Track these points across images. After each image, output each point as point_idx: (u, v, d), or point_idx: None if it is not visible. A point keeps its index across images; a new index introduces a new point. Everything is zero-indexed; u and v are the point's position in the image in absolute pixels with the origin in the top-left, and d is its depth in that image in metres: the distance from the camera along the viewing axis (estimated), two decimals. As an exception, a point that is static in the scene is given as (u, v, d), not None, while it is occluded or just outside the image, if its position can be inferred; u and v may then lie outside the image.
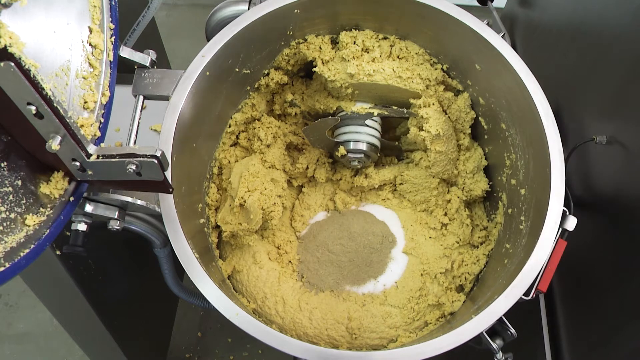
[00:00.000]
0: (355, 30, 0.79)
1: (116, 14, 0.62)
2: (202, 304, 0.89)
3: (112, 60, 0.61)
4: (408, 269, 0.83)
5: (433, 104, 0.80)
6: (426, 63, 0.79)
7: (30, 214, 0.49)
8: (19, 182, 0.48)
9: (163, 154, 0.50)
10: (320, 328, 0.75)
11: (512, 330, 0.60)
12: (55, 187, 0.52)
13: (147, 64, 0.70)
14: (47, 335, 1.42)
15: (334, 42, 0.81)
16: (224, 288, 0.64)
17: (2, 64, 0.40)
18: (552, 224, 0.61)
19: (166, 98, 0.69)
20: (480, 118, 0.80)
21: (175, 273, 0.84)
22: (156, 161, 0.50)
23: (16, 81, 0.41)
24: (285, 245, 0.86)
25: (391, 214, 0.89)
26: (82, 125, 0.55)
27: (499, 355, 0.61)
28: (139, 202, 0.65)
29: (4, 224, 0.46)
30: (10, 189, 0.47)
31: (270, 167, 0.82)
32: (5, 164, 0.47)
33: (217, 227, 0.78)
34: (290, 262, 0.85)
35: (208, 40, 0.71)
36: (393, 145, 0.89)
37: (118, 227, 0.64)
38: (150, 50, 0.70)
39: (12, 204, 0.47)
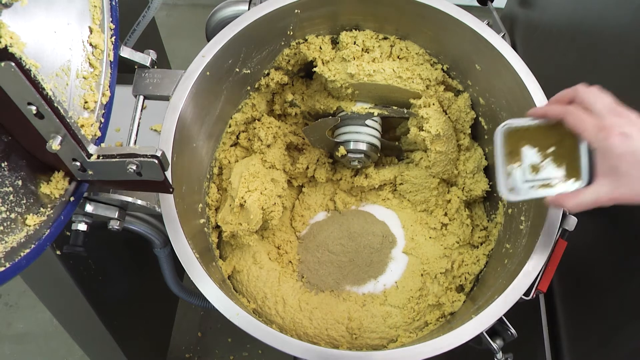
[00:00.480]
0: (356, 30, 0.79)
1: (116, 14, 0.62)
2: (202, 304, 0.89)
3: (112, 60, 0.61)
4: (408, 269, 0.83)
5: (433, 104, 0.80)
6: (426, 63, 0.79)
7: (31, 214, 0.49)
8: (20, 182, 0.48)
9: (163, 154, 0.50)
10: (320, 328, 0.75)
11: (512, 330, 0.60)
12: (55, 187, 0.52)
13: (148, 64, 0.70)
14: (47, 335, 1.42)
15: (334, 42, 0.81)
16: (224, 288, 0.64)
17: (2, 64, 0.40)
18: (552, 224, 0.61)
19: (166, 98, 0.69)
20: (480, 118, 0.80)
21: (175, 273, 0.84)
22: (156, 161, 0.50)
23: (17, 81, 0.41)
24: (285, 245, 0.86)
25: (391, 214, 0.89)
26: (82, 125, 0.55)
27: (499, 355, 0.61)
28: (139, 202, 0.65)
29: (5, 224, 0.46)
30: (11, 189, 0.47)
31: (270, 167, 0.82)
32: (6, 163, 0.47)
33: (217, 227, 0.78)
34: (290, 262, 0.85)
35: (208, 40, 0.71)
36: (393, 145, 0.89)
37: (118, 227, 0.64)
38: (151, 50, 0.70)
39: (13, 204, 0.47)
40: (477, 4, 0.95)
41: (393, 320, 0.77)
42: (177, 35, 1.88)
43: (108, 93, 0.60)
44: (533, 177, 0.57)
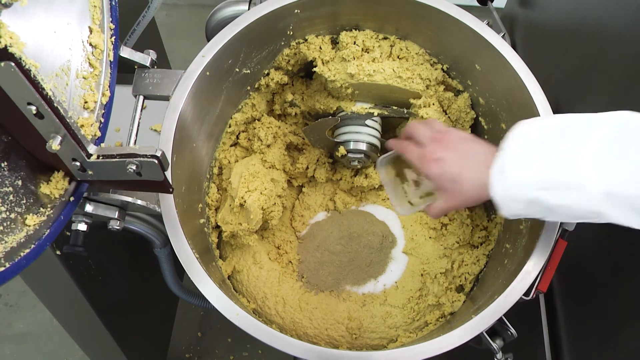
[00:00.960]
0: (356, 30, 0.79)
1: (116, 14, 0.62)
2: (202, 304, 0.89)
3: (112, 60, 0.61)
4: (408, 269, 0.83)
5: (433, 104, 0.80)
6: (426, 63, 0.79)
7: (31, 214, 0.49)
8: (19, 182, 0.48)
9: (163, 154, 0.50)
10: (320, 328, 0.75)
11: (512, 330, 0.60)
12: (55, 187, 0.52)
13: (147, 64, 0.70)
14: (47, 335, 1.42)
15: (334, 42, 0.81)
16: (224, 288, 0.64)
17: (2, 64, 0.40)
18: (552, 224, 0.61)
19: (166, 98, 0.69)
20: (480, 118, 0.80)
21: (175, 273, 0.84)
22: (156, 161, 0.50)
23: (16, 81, 0.41)
24: (285, 245, 0.86)
25: (391, 214, 0.89)
26: (82, 125, 0.55)
27: (499, 355, 0.61)
28: (139, 202, 0.65)
29: (4, 224, 0.46)
30: (11, 189, 0.47)
31: (270, 167, 0.82)
32: (6, 163, 0.47)
33: (217, 227, 0.78)
34: (290, 262, 0.85)
35: (208, 40, 0.71)
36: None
37: (118, 227, 0.64)
38: (151, 50, 0.70)
39: (13, 204, 0.47)
40: (477, 4, 0.95)
41: (393, 320, 0.77)
42: (177, 35, 1.88)
43: (108, 93, 0.60)
44: (417, 190, 0.68)
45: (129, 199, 0.64)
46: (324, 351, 0.57)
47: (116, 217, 0.64)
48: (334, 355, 0.57)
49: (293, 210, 0.91)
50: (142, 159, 0.50)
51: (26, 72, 0.41)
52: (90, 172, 0.53)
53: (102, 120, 0.59)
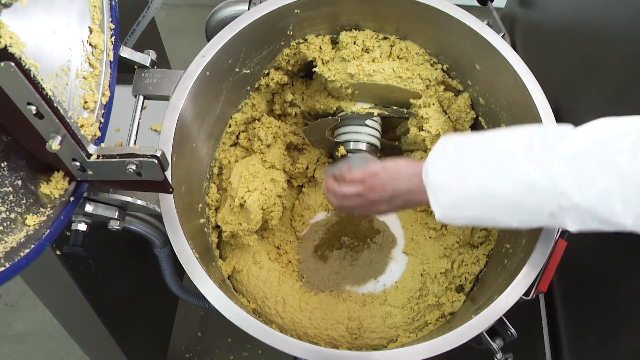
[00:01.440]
0: (356, 30, 0.79)
1: (116, 14, 0.62)
2: (202, 304, 0.89)
3: (112, 60, 0.61)
4: (408, 269, 0.83)
5: (433, 104, 0.80)
6: (426, 63, 0.79)
7: (31, 214, 0.49)
8: (19, 182, 0.48)
9: (163, 154, 0.50)
10: (320, 328, 0.75)
11: (512, 330, 0.60)
12: (55, 187, 0.52)
13: (147, 64, 0.70)
14: (47, 335, 1.41)
15: (334, 42, 0.81)
16: (224, 288, 0.64)
17: (2, 64, 0.40)
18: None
19: (166, 98, 0.69)
20: (480, 118, 0.80)
21: (175, 273, 0.84)
22: (156, 161, 0.50)
23: (16, 81, 0.41)
24: (285, 245, 0.86)
25: (391, 214, 0.89)
26: (82, 125, 0.55)
27: (499, 355, 0.61)
28: (139, 202, 0.65)
29: (4, 224, 0.46)
30: (11, 189, 0.47)
31: (270, 167, 0.82)
32: (6, 164, 0.47)
33: (217, 227, 0.78)
34: (290, 262, 0.85)
35: (208, 40, 0.71)
36: (393, 145, 0.89)
37: (118, 227, 0.64)
38: (150, 50, 0.70)
39: (13, 204, 0.47)
40: (477, 4, 0.95)
41: (393, 320, 0.77)
42: (177, 35, 1.88)
43: (108, 93, 0.60)
44: None
45: (129, 199, 0.64)
46: (324, 351, 0.57)
47: (116, 217, 0.64)
48: (334, 355, 0.57)
49: (293, 210, 0.91)
50: (142, 159, 0.50)
51: (26, 72, 0.41)
52: (90, 172, 0.53)
53: (102, 120, 0.59)
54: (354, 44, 0.78)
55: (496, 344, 0.60)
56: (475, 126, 0.82)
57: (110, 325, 0.95)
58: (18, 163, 0.49)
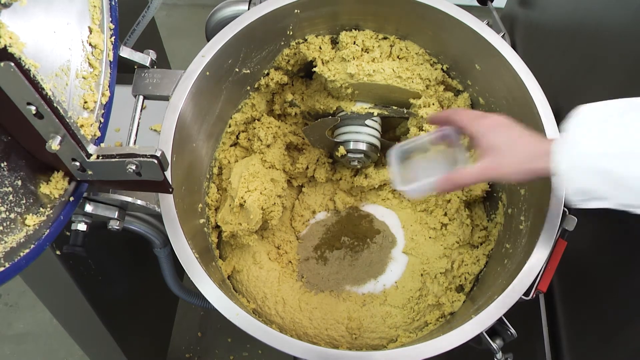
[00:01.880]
0: (355, 30, 0.79)
1: (116, 14, 0.62)
2: (202, 304, 0.89)
3: (112, 60, 0.61)
4: (408, 269, 0.83)
5: (433, 104, 0.80)
6: (426, 63, 0.79)
7: (30, 214, 0.49)
8: (19, 182, 0.48)
9: (163, 154, 0.50)
10: (320, 328, 0.75)
11: (512, 330, 0.60)
12: (55, 187, 0.52)
13: (147, 64, 0.70)
14: (47, 335, 1.42)
15: (334, 42, 0.81)
16: (224, 288, 0.64)
17: (2, 64, 0.40)
18: (552, 224, 0.61)
19: (166, 98, 0.69)
20: (480, 118, 0.80)
21: (175, 273, 0.84)
22: (156, 161, 0.50)
23: (16, 81, 0.41)
24: (285, 245, 0.86)
25: (391, 214, 0.89)
26: (82, 125, 0.55)
27: (499, 355, 0.61)
28: (139, 202, 0.65)
29: (4, 224, 0.46)
30: (10, 189, 0.47)
31: (270, 167, 0.82)
32: (5, 164, 0.47)
33: (217, 227, 0.78)
34: (290, 262, 0.85)
35: (208, 40, 0.71)
36: (393, 145, 0.89)
37: (118, 227, 0.64)
38: (150, 50, 0.70)
39: (12, 204, 0.47)
40: (477, 4, 0.95)
41: (393, 320, 0.77)
42: (177, 35, 1.88)
43: (108, 93, 0.60)
44: (427, 161, 0.65)
45: (129, 199, 0.64)
46: (324, 351, 0.57)
47: (116, 217, 0.64)
48: (334, 355, 0.57)
49: (293, 210, 0.91)
50: (142, 159, 0.50)
51: (26, 72, 0.41)
52: (90, 172, 0.53)
53: (102, 120, 0.59)
54: (354, 44, 0.78)
55: (496, 344, 0.60)
56: (475, 126, 0.82)
57: (110, 325, 0.95)
58: (18, 163, 0.49)
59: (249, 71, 0.78)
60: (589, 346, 0.64)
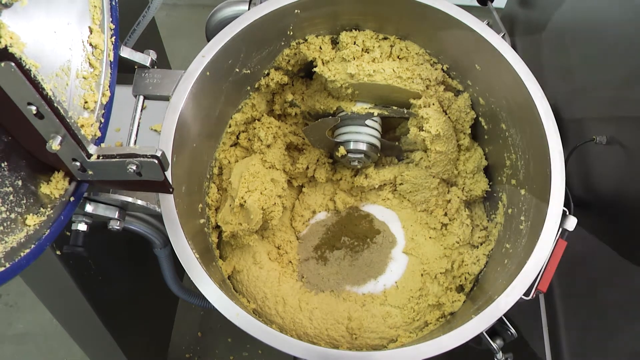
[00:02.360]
0: (356, 30, 0.79)
1: (116, 14, 0.62)
2: (202, 304, 0.89)
3: (112, 60, 0.61)
4: (408, 269, 0.83)
5: (433, 104, 0.80)
6: (426, 63, 0.79)
7: (31, 214, 0.49)
8: (20, 182, 0.48)
9: (163, 154, 0.50)
10: (320, 328, 0.75)
11: (512, 330, 0.60)
12: (55, 187, 0.52)
13: (147, 64, 0.70)
14: (47, 335, 1.42)
15: (334, 42, 0.81)
16: (224, 288, 0.64)
17: (2, 64, 0.40)
18: (552, 224, 0.61)
19: (166, 98, 0.69)
20: (480, 118, 0.80)
21: (175, 273, 0.84)
22: (156, 161, 0.50)
23: (17, 81, 0.41)
24: (285, 245, 0.86)
25: (391, 214, 0.89)
26: (82, 125, 0.55)
27: (499, 355, 0.61)
28: (139, 202, 0.65)
29: (5, 224, 0.46)
30: (11, 189, 0.47)
31: (270, 167, 0.82)
32: (6, 164, 0.47)
33: (217, 227, 0.78)
34: (290, 262, 0.85)
35: (208, 40, 0.71)
36: (393, 145, 0.89)
37: (118, 227, 0.64)
38: (151, 50, 0.70)
39: (13, 204, 0.47)
40: (477, 4, 0.95)
41: (393, 320, 0.77)
42: (177, 35, 1.88)
43: (108, 93, 0.60)
44: None
45: (129, 199, 0.64)
46: (324, 351, 0.57)
47: (116, 217, 0.64)
48: (334, 355, 0.57)
49: (293, 210, 0.91)
50: (142, 159, 0.50)
51: (26, 72, 0.41)
52: (90, 172, 0.53)
53: (102, 120, 0.59)
54: (354, 44, 0.78)
55: (496, 344, 0.60)
56: (475, 126, 0.82)
57: (110, 325, 0.95)
58: (18, 163, 0.49)
59: (249, 71, 0.78)
60: (589, 346, 0.64)
